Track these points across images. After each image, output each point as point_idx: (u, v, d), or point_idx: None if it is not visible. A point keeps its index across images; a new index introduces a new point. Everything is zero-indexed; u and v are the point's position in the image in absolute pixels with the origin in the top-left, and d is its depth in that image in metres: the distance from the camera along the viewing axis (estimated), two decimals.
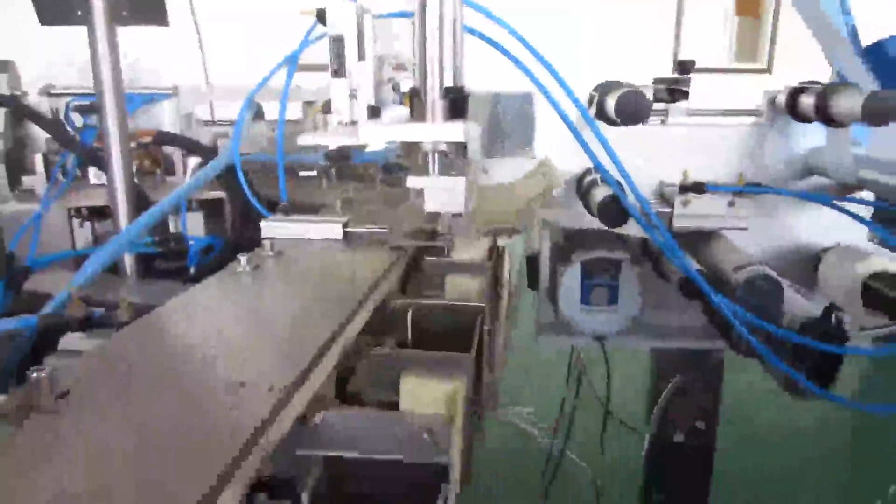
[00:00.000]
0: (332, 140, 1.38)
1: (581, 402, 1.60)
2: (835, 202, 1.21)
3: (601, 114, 1.21)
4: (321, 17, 1.17)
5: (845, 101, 1.03)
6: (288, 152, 1.49)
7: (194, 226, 1.86)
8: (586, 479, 1.68)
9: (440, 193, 1.04)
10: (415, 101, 1.05)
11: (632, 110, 1.07)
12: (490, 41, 1.11)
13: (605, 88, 1.22)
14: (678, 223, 1.21)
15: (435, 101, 1.01)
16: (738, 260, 1.11)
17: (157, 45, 2.19)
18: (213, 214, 1.93)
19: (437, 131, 1.02)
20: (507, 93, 1.34)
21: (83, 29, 1.43)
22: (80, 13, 1.44)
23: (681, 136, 1.37)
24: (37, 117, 1.90)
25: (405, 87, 1.36)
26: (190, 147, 2.02)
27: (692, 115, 1.33)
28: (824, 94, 1.07)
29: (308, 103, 2.25)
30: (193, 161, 2.02)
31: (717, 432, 1.68)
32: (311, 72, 1.60)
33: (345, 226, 1.20)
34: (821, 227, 1.40)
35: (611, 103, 1.12)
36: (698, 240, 1.30)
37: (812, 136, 1.36)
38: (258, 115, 2.20)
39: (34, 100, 2.10)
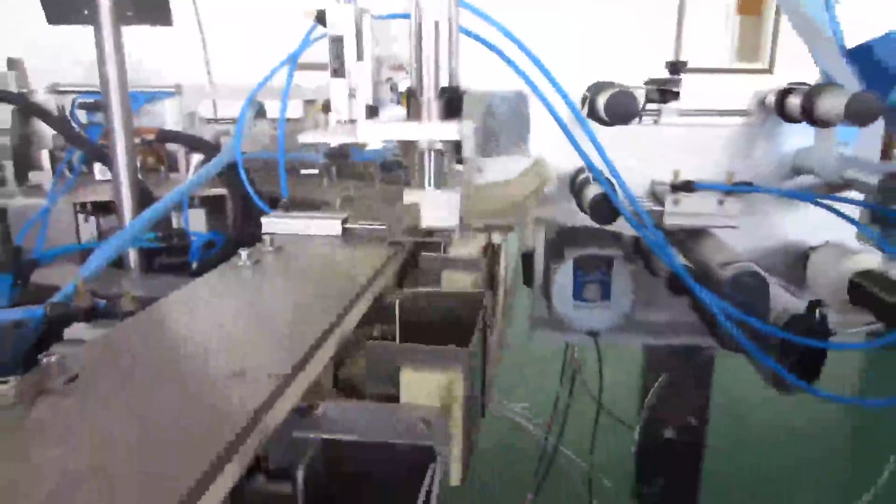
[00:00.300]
0: (333, 138, 1.40)
1: (575, 399, 1.63)
2: (821, 201, 1.24)
3: (593, 113, 1.24)
4: (321, 18, 1.20)
5: (829, 101, 1.05)
6: (289, 150, 1.53)
7: (197, 222, 1.89)
8: (579, 475, 1.71)
9: (436, 208, 1.07)
10: (411, 101, 1.08)
11: (621, 111, 1.10)
12: (485, 42, 1.14)
13: (597, 89, 1.25)
14: (669, 221, 1.24)
15: (430, 100, 1.05)
16: (726, 257, 1.14)
17: (160, 44, 2.23)
18: (215, 211, 1.96)
19: (433, 130, 1.05)
20: (502, 92, 1.37)
21: (88, 28, 1.47)
22: (86, 13, 1.47)
23: (673, 136, 1.39)
24: (44, 114, 1.93)
25: (403, 87, 1.38)
26: (192, 144, 2.05)
27: (684, 115, 1.36)
28: (810, 94, 1.10)
29: (308, 102, 2.28)
30: (196, 158, 2.06)
31: (709, 428, 1.71)
32: (311, 70, 1.63)
33: (344, 222, 1.23)
34: (811, 225, 1.43)
35: (601, 103, 1.15)
36: (689, 237, 1.32)
37: (802, 136, 1.38)
38: (260, 113, 2.22)
39: (41, 97, 2.14)
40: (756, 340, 1.07)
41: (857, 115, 0.97)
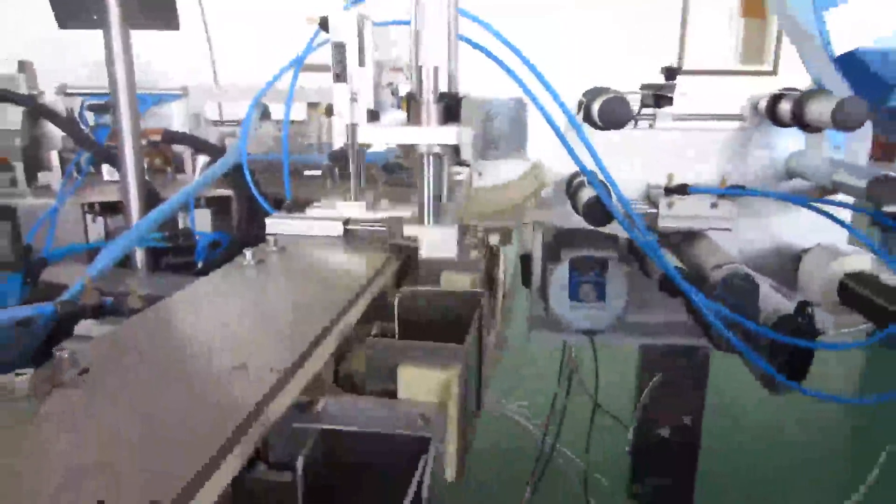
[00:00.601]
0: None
1: (572, 398, 1.65)
2: (812, 204, 1.26)
3: (589, 118, 1.27)
4: (324, 24, 1.23)
5: (818, 107, 1.08)
6: (293, 152, 1.56)
7: (202, 222, 1.92)
8: (576, 473, 1.73)
9: (434, 241, 1.10)
10: (411, 105, 1.11)
11: (614, 117, 1.13)
12: (484, 50, 1.17)
13: (592, 94, 1.27)
14: (663, 224, 1.27)
15: (430, 105, 1.07)
16: (718, 259, 1.17)
17: (167, 47, 2.26)
18: (221, 211, 1.99)
19: (432, 134, 1.08)
20: (501, 99, 1.40)
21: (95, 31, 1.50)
22: (95, 17, 1.50)
23: (668, 140, 1.42)
24: (53, 116, 1.96)
25: (403, 91, 1.42)
26: (197, 145, 2.08)
27: (679, 119, 1.38)
28: (800, 100, 1.12)
29: (312, 105, 2.31)
30: (202, 160, 2.09)
31: (704, 428, 1.73)
32: (316, 72, 1.66)
33: (345, 223, 1.26)
34: (804, 228, 1.45)
35: (596, 109, 1.18)
36: (684, 240, 1.35)
37: (795, 140, 1.41)
38: (265, 115, 2.25)
39: (50, 99, 2.18)
40: (747, 341, 1.10)
41: (843, 120, 1.00)
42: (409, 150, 1.17)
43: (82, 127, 2.01)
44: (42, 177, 2.03)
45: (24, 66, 2.15)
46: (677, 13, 6.36)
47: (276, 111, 2.28)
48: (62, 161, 2.01)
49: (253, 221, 1.70)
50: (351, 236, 1.25)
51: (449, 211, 1.19)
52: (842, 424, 2.97)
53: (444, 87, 1.08)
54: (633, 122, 1.36)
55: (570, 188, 1.35)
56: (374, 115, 1.24)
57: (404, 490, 0.68)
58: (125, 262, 1.53)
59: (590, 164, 1.13)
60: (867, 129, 1.24)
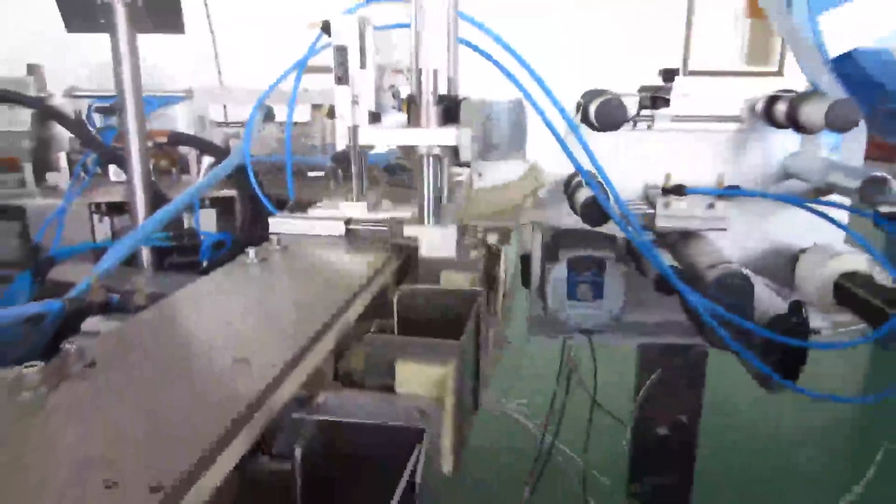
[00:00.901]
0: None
1: (572, 397, 1.66)
2: (808, 204, 1.28)
3: (586, 120, 1.29)
4: (326, 28, 1.25)
5: (812, 109, 1.09)
6: (296, 153, 1.58)
7: (207, 222, 1.94)
8: (575, 472, 1.74)
9: (434, 241, 1.12)
10: (411, 108, 1.13)
11: (610, 119, 1.15)
12: (482, 52, 1.19)
13: (590, 96, 1.29)
14: (660, 224, 1.28)
15: (429, 107, 1.09)
16: (713, 259, 1.18)
17: (173, 50, 2.29)
18: (225, 212, 2.01)
19: (431, 136, 1.10)
20: (501, 101, 1.42)
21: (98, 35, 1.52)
22: (102, 21, 1.53)
23: (667, 141, 1.44)
24: (61, 118, 1.99)
25: (404, 93, 1.44)
26: (202, 147, 2.11)
27: (676, 120, 1.40)
28: (794, 102, 1.14)
29: (315, 107, 2.34)
30: (207, 161, 2.12)
31: (701, 427, 1.74)
32: (319, 73, 1.68)
33: (347, 223, 1.28)
34: (801, 228, 1.46)
35: (592, 111, 1.20)
36: (681, 240, 1.37)
37: (792, 141, 1.42)
38: (269, 116, 2.28)
39: (58, 101, 2.21)
40: (741, 340, 1.11)
41: (836, 122, 1.01)
42: (409, 151, 1.19)
43: (90, 129, 2.04)
44: (50, 177, 2.06)
45: (33, 69, 2.18)
46: (678, 13, 6.35)
47: (280, 113, 2.31)
48: (70, 162, 2.04)
49: (257, 222, 1.73)
50: (352, 236, 1.27)
51: (449, 211, 1.21)
52: (840, 423, 2.97)
53: (443, 90, 1.10)
54: (631, 123, 1.38)
55: (569, 189, 1.36)
56: (375, 117, 1.26)
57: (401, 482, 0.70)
58: (131, 260, 1.55)
59: (587, 166, 1.15)
60: (861, 129, 1.25)
